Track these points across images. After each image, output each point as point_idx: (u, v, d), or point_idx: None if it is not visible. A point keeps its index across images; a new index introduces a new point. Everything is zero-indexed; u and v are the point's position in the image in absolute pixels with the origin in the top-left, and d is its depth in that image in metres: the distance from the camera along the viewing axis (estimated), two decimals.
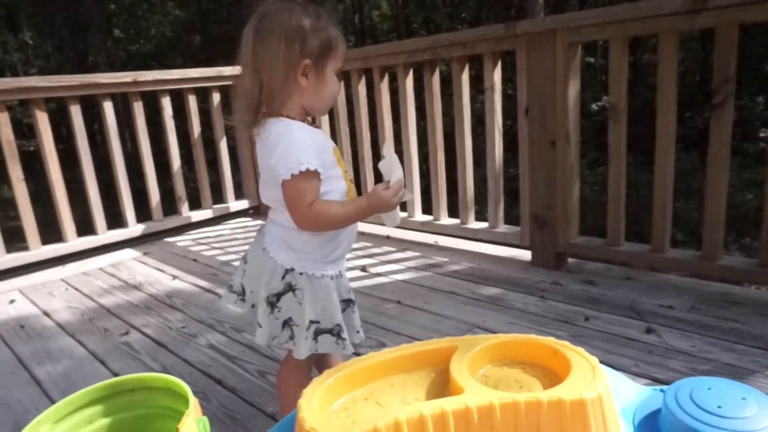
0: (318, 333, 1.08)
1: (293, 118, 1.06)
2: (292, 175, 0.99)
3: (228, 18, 13.93)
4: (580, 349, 0.63)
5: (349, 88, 2.84)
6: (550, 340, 0.65)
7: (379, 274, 2.29)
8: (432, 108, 2.54)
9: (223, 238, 3.09)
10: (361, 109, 2.81)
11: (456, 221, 2.60)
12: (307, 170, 0.99)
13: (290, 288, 1.09)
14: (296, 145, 1.01)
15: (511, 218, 2.55)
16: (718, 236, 1.82)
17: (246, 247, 2.79)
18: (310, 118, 1.13)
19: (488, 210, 2.45)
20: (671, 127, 1.86)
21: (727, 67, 1.72)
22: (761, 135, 7.85)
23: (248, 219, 3.48)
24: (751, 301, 1.76)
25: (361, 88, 2.80)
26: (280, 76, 1.03)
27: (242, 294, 1.18)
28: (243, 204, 3.52)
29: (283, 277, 1.09)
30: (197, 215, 3.30)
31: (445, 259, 2.40)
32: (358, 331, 1.19)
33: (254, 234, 3.27)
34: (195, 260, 2.70)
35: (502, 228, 2.44)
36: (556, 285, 2.01)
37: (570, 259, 2.22)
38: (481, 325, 1.76)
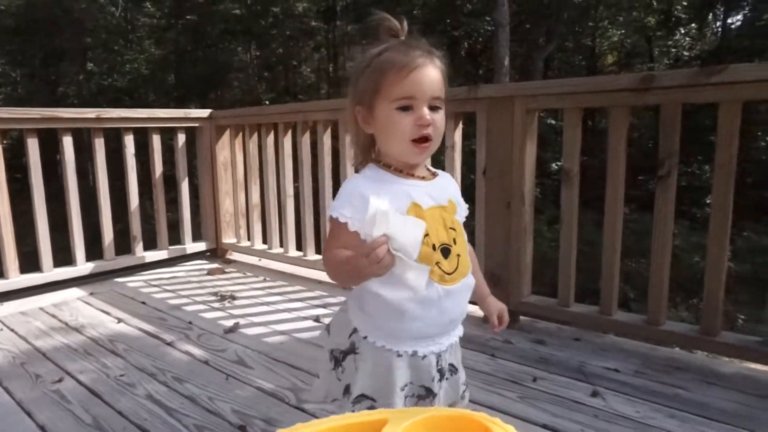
0: None
1: (379, 163, 1.00)
2: (328, 219, 0.98)
3: (204, 59, 14.08)
4: (510, 428, 0.62)
5: (314, 135, 2.88)
6: (482, 416, 0.64)
7: None
8: None
9: (177, 280, 3.01)
10: (325, 158, 2.84)
11: None
12: (331, 216, 0.95)
13: (353, 349, 1.00)
14: (339, 192, 0.98)
15: None
16: (662, 302, 1.87)
17: (199, 291, 2.75)
18: (429, 170, 1.04)
19: None
20: (620, 195, 1.94)
21: (671, 142, 1.82)
22: (708, 201, 8.28)
23: (204, 261, 3.41)
24: (694, 367, 1.80)
25: (327, 139, 2.84)
26: (351, 127, 1.01)
27: None
28: (200, 246, 3.45)
29: (350, 336, 1.01)
30: (151, 255, 3.21)
31: None
32: None
33: (208, 278, 3.16)
34: (144, 303, 2.60)
35: None
36: (507, 344, 2.02)
37: (522, 318, 2.24)
38: None
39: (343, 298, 2.58)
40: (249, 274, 3.10)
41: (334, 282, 1.01)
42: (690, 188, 8.72)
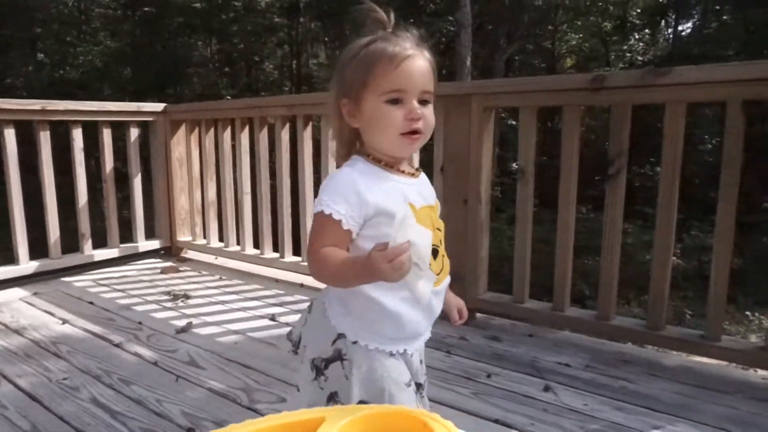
0: None
1: (368, 157, 0.95)
2: (315, 213, 0.91)
3: (162, 53, 13.68)
4: (449, 423, 0.62)
5: (272, 132, 2.83)
6: (421, 413, 0.63)
7: (288, 324, 2.21)
8: None
9: (127, 279, 2.90)
10: (283, 156, 2.79)
11: None
12: (321, 212, 0.89)
13: (339, 356, 0.94)
14: (330, 185, 0.91)
15: None
16: (611, 298, 1.92)
17: (151, 291, 2.66)
18: (413, 166, 1.00)
19: None
20: (573, 193, 1.98)
21: (621, 142, 1.86)
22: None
23: (158, 260, 3.30)
24: (641, 361, 1.86)
25: (284, 134, 2.80)
26: (335, 121, 0.97)
27: (297, 345, 1.03)
28: (154, 244, 3.35)
29: (334, 342, 0.94)
30: (101, 254, 3.09)
31: None
32: None
33: (161, 277, 3.06)
34: (91, 303, 2.50)
35: None
36: (462, 340, 2.04)
37: (478, 314, 2.26)
38: None
39: (301, 297, 2.55)
40: (204, 272, 3.03)
41: (320, 282, 0.94)
42: (642, 188, 9.04)
